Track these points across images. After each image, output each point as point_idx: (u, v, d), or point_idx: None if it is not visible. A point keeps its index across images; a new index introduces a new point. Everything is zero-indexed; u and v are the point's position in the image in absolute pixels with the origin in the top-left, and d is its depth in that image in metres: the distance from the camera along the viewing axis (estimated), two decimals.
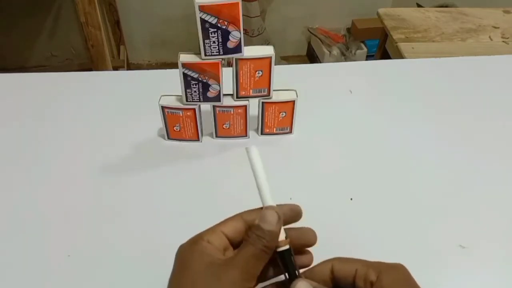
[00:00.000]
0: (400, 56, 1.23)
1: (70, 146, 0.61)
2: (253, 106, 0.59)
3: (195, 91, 0.55)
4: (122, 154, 0.60)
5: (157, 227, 0.51)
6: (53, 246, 0.49)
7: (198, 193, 0.55)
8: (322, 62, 2.14)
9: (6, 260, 0.47)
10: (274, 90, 0.57)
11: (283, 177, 0.57)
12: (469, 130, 0.66)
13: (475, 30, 1.34)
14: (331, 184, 0.57)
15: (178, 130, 0.60)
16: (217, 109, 0.58)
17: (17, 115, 0.66)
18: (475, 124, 0.67)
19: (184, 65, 0.52)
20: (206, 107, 0.58)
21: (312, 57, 2.33)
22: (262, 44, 1.94)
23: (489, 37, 1.31)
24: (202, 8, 0.47)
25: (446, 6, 1.70)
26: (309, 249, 0.37)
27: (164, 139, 0.62)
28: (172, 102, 0.57)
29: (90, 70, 1.37)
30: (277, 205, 0.35)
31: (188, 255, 0.32)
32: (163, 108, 0.57)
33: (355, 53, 2.13)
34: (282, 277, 0.36)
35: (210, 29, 0.48)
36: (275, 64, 0.54)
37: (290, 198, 0.53)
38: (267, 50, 0.53)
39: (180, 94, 0.56)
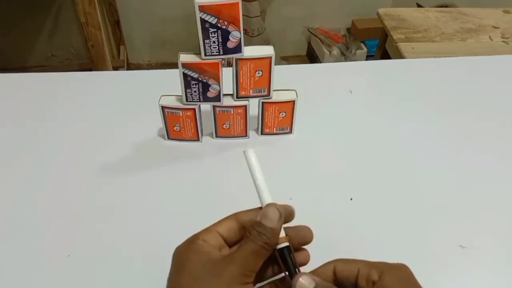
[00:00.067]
0: (400, 56, 1.23)
1: (70, 146, 0.61)
2: (253, 106, 0.59)
3: (195, 91, 0.55)
4: (122, 154, 0.60)
5: (157, 227, 0.51)
6: (53, 246, 0.49)
7: (198, 193, 0.55)
8: (322, 62, 2.14)
9: (6, 260, 0.47)
10: (274, 90, 0.57)
11: (283, 177, 0.57)
12: (469, 130, 0.66)
13: (475, 30, 1.34)
14: (331, 184, 0.57)
15: (178, 130, 0.60)
16: (217, 109, 0.58)
17: (17, 115, 0.66)
18: (475, 124, 0.67)
19: (184, 65, 0.52)
20: (206, 107, 0.58)
21: (312, 57, 2.33)
22: (262, 44, 1.94)
23: (489, 37, 1.31)
24: (202, 8, 0.47)
25: (446, 6, 1.70)
26: (308, 248, 0.37)
27: (164, 139, 0.62)
28: (172, 102, 0.57)
29: (90, 70, 1.37)
30: None
31: (185, 255, 0.33)
32: (163, 108, 0.57)
33: (355, 53, 2.13)
34: (279, 277, 0.36)
35: (210, 29, 0.48)
36: (275, 64, 0.54)
37: (290, 198, 0.53)
38: (267, 50, 0.53)
39: (180, 94, 0.56)
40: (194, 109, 0.57)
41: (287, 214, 0.36)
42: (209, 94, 0.55)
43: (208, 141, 0.62)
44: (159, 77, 0.75)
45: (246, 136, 0.63)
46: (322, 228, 0.50)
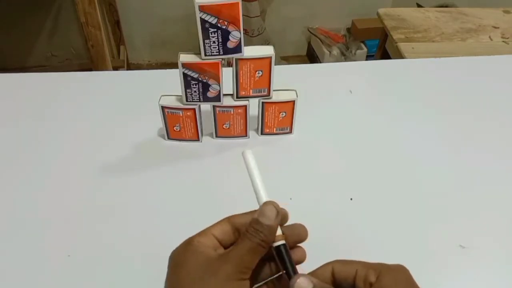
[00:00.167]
0: (400, 56, 1.23)
1: (70, 146, 0.61)
2: (253, 106, 0.59)
3: (195, 91, 0.55)
4: (122, 154, 0.60)
5: (157, 227, 0.51)
6: (53, 246, 0.49)
7: (198, 193, 0.55)
8: (322, 62, 2.14)
9: (6, 260, 0.47)
10: (274, 90, 0.57)
11: (283, 177, 0.57)
12: (469, 130, 0.66)
13: (475, 30, 1.34)
14: (331, 184, 0.57)
15: (178, 130, 0.60)
16: (217, 109, 0.58)
17: (17, 115, 0.66)
18: (475, 124, 0.67)
19: (184, 65, 0.52)
20: (206, 107, 0.58)
21: (312, 57, 2.33)
22: (262, 44, 1.94)
23: (489, 37, 1.31)
24: (202, 8, 0.47)
25: (446, 6, 1.70)
26: (307, 247, 0.37)
27: (164, 139, 0.62)
28: (172, 102, 0.57)
29: (90, 70, 1.37)
30: None
31: (181, 257, 0.33)
32: (163, 108, 0.57)
33: (355, 53, 2.13)
34: (276, 276, 0.36)
35: (210, 29, 0.48)
36: (275, 64, 0.54)
37: (290, 198, 0.53)
38: (267, 50, 0.53)
39: (180, 94, 0.56)
40: (194, 109, 0.57)
41: (282, 216, 0.36)
42: (209, 94, 0.55)
43: (208, 141, 0.62)
44: (159, 77, 0.75)
45: (246, 136, 0.63)
46: (322, 228, 0.50)
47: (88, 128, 0.64)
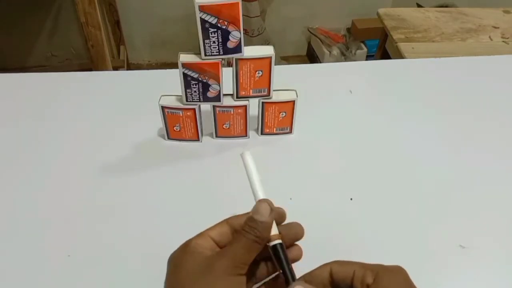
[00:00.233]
0: (400, 56, 1.23)
1: (70, 146, 0.61)
2: (253, 106, 0.59)
3: (195, 91, 0.55)
4: (122, 154, 0.60)
5: (157, 227, 0.51)
6: (53, 246, 0.49)
7: (198, 193, 0.55)
8: (322, 62, 2.14)
9: (6, 260, 0.47)
10: (274, 90, 0.57)
11: (283, 177, 0.57)
12: (469, 130, 0.66)
13: (475, 30, 1.34)
14: (331, 184, 0.57)
15: (178, 130, 0.60)
16: (217, 109, 0.58)
17: (17, 115, 0.66)
18: (475, 124, 0.67)
19: (184, 65, 0.52)
20: (206, 107, 0.58)
21: (312, 57, 2.33)
22: (262, 44, 1.94)
23: (489, 37, 1.31)
24: (202, 8, 0.47)
25: (446, 6, 1.70)
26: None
27: (164, 139, 0.62)
28: (172, 102, 0.57)
29: (90, 70, 1.37)
30: None
31: (179, 258, 0.34)
32: (163, 108, 0.57)
33: (355, 53, 2.13)
34: (273, 276, 0.36)
35: (210, 29, 0.48)
36: (275, 64, 0.54)
37: (290, 198, 0.53)
38: (267, 50, 0.53)
39: (180, 94, 0.56)
40: (194, 109, 0.57)
41: (278, 216, 0.37)
42: (209, 94, 0.55)
43: (208, 141, 0.62)
44: (159, 77, 0.75)
45: (246, 136, 0.63)
46: (322, 228, 0.50)
47: (88, 128, 0.64)
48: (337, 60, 2.10)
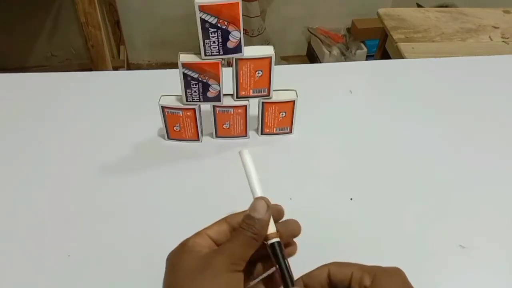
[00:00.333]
0: (400, 56, 1.23)
1: (70, 146, 0.61)
2: (253, 106, 0.59)
3: (195, 91, 0.55)
4: (122, 154, 0.60)
5: (157, 227, 0.51)
6: (53, 246, 0.49)
7: (198, 193, 0.55)
8: (322, 62, 2.14)
9: (6, 260, 0.47)
10: (274, 90, 0.57)
11: (283, 177, 0.57)
12: (469, 130, 0.66)
13: (475, 30, 1.34)
14: (331, 184, 0.57)
15: (178, 130, 0.60)
16: (217, 109, 0.58)
17: (17, 115, 0.66)
18: (475, 124, 0.67)
19: (184, 65, 0.52)
20: (206, 107, 0.58)
21: (312, 57, 2.33)
22: (262, 44, 1.94)
23: (489, 37, 1.31)
24: (202, 8, 0.47)
25: (446, 6, 1.70)
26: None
27: (164, 139, 0.62)
28: (172, 102, 0.57)
29: (90, 70, 1.37)
30: None
31: (177, 257, 0.34)
32: (163, 108, 0.57)
33: (355, 53, 2.13)
34: (270, 271, 0.37)
35: (210, 29, 0.48)
36: (275, 64, 0.54)
37: (290, 198, 0.53)
38: (267, 50, 0.53)
39: (180, 94, 0.56)
40: (194, 109, 0.57)
41: (277, 212, 0.38)
42: (209, 94, 0.55)
43: (208, 141, 0.62)
44: (159, 77, 0.75)
45: (246, 136, 0.63)
46: (322, 228, 0.50)
47: (88, 128, 0.64)
48: (337, 60, 2.10)
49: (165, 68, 0.76)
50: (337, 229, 0.51)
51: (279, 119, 0.61)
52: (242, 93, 0.57)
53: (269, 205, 0.35)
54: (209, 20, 0.48)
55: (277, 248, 0.35)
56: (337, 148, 0.62)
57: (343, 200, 0.55)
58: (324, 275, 0.35)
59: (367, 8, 2.12)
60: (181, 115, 0.58)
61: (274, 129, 0.63)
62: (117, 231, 0.50)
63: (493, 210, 0.54)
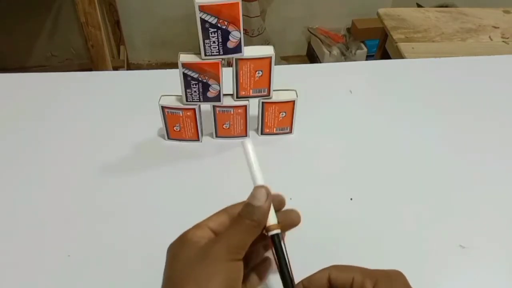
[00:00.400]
0: (400, 56, 1.23)
1: (70, 146, 0.61)
2: (253, 106, 0.59)
3: (195, 91, 0.55)
4: (122, 154, 0.60)
5: (157, 227, 0.51)
6: (53, 246, 0.49)
7: (198, 193, 0.55)
8: (322, 62, 2.14)
9: (6, 260, 0.47)
10: (274, 90, 0.57)
11: (283, 177, 0.57)
12: (469, 130, 0.66)
13: (475, 30, 1.34)
14: (331, 184, 0.57)
15: (178, 130, 0.60)
16: (217, 109, 0.58)
17: (17, 115, 0.66)
18: (475, 124, 0.67)
19: (184, 65, 0.52)
20: (206, 107, 0.58)
21: (312, 57, 2.33)
22: (262, 44, 1.94)
23: (489, 37, 1.31)
24: (202, 8, 0.47)
25: (446, 6, 1.70)
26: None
27: (164, 139, 0.62)
28: (172, 102, 0.57)
29: (90, 70, 1.37)
30: None
31: (176, 248, 0.34)
32: (163, 108, 0.57)
33: (355, 53, 2.13)
34: (261, 260, 0.37)
35: (210, 29, 0.48)
36: (275, 64, 0.54)
37: (290, 198, 0.53)
38: (267, 50, 0.53)
39: (180, 94, 0.56)
40: (194, 109, 0.57)
41: (278, 202, 0.37)
42: (209, 94, 0.55)
43: (208, 141, 0.62)
44: (159, 77, 0.75)
45: (246, 136, 0.63)
46: (322, 228, 0.50)
47: (88, 128, 0.64)
48: (337, 60, 2.10)
49: (165, 68, 0.76)
50: (337, 229, 0.51)
51: (279, 119, 0.61)
52: (242, 93, 0.57)
53: (269, 194, 0.35)
54: (209, 20, 0.48)
55: (277, 240, 0.35)
56: (337, 148, 0.62)
57: (343, 200, 0.55)
58: (324, 279, 0.34)
59: (367, 8, 2.12)
60: (181, 115, 0.58)
61: (274, 129, 0.63)
62: (117, 231, 0.50)
63: (493, 210, 0.54)
